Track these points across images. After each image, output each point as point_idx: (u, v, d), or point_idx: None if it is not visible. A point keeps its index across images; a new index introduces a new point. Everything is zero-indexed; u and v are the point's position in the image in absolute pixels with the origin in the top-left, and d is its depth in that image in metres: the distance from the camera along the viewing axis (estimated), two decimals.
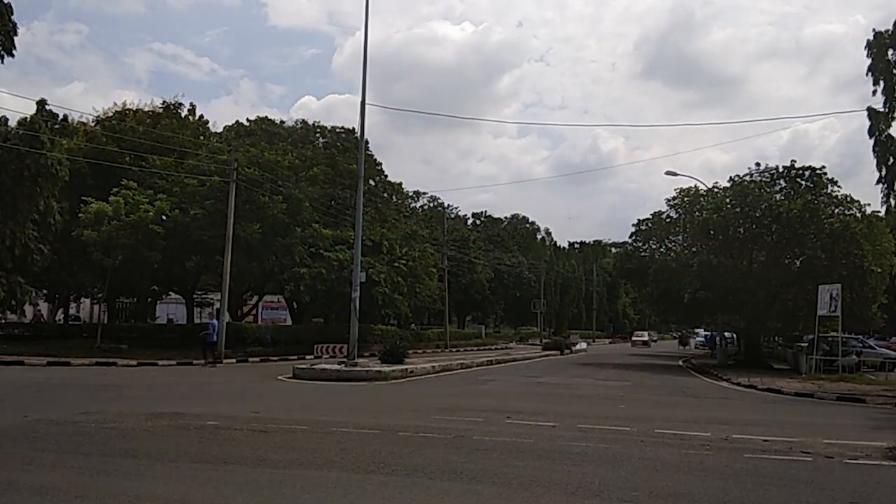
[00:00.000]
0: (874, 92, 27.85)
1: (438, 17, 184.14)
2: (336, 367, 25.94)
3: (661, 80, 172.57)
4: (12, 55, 31.77)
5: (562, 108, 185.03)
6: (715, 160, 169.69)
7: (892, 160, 27.66)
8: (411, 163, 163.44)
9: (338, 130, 54.90)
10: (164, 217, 35.31)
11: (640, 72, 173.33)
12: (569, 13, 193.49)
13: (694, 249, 41.74)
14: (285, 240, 37.47)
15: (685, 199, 42.87)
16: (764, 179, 39.40)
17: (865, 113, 27.99)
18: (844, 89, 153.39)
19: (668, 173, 41.90)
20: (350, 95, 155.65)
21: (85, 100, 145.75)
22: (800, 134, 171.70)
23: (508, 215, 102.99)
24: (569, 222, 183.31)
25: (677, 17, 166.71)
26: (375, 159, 54.75)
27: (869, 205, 36.86)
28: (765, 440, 11.97)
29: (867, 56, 28.17)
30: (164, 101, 45.67)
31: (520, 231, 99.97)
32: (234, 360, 33.20)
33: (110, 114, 44.37)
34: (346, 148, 51.00)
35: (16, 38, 31.56)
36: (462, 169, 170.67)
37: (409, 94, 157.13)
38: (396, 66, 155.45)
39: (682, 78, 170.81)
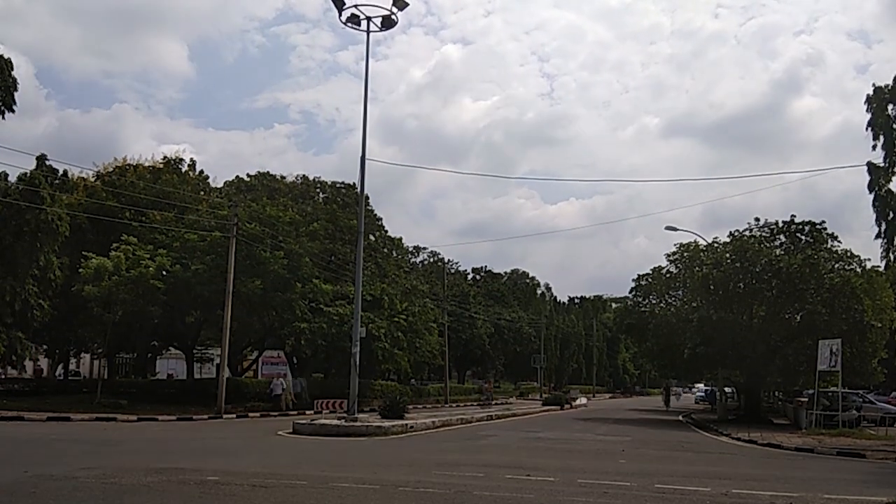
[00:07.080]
0: (874, 147, 28.14)
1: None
2: (336, 422, 25.86)
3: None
4: (13, 111, 32.23)
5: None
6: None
7: (891, 215, 27.86)
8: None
9: (338, 185, 55.50)
10: (164, 272, 35.36)
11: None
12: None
13: (694, 304, 41.73)
14: (286, 295, 37.45)
15: (685, 254, 42.97)
16: (763, 234, 39.59)
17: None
18: None
19: (668, 228, 42.16)
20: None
21: None
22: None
23: (508, 270, 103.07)
24: (568, 277, 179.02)
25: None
26: (376, 214, 55.30)
27: (869, 259, 37.12)
28: (767, 495, 11.97)
29: (867, 111, 28.50)
30: (164, 157, 46.13)
31: (520, 286, 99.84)
32: (234, 416, 33.04)
33: (110, 169, 44.76)
34: (347, 203, 51.52)
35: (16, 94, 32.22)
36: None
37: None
38: None
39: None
